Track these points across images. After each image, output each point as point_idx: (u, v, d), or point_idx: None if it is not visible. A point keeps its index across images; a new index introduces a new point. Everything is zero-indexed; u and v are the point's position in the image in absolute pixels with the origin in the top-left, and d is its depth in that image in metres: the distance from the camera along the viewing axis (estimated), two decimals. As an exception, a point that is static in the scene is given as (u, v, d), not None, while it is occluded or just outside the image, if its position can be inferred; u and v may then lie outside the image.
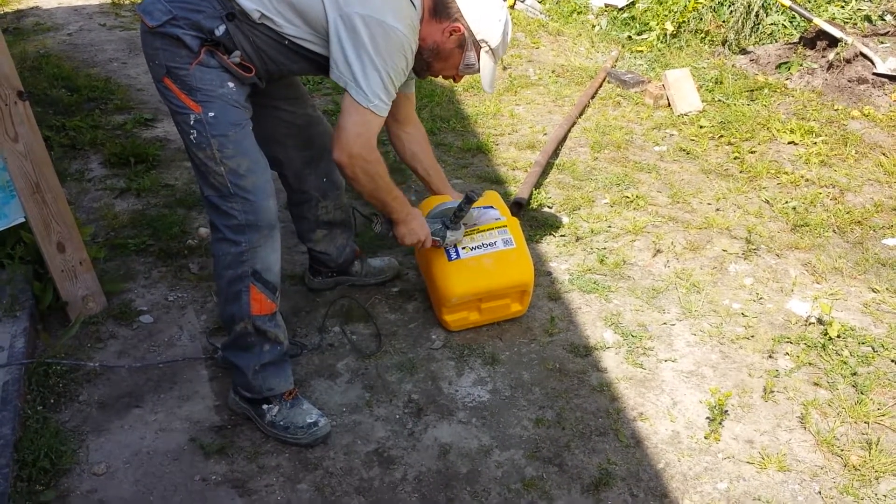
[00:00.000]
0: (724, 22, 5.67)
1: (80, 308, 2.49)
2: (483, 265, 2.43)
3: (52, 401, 2.18)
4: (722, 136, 4.14)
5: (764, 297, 2.76)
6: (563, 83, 5.05)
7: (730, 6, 5.70)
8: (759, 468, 2.03)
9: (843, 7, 5.57)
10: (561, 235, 3.16)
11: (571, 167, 3.77)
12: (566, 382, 2.34)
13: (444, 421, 2.18)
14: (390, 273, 2.82)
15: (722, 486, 1.98)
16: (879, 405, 2.23)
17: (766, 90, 4.69)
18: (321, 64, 1.95)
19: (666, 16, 5.88)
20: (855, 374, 2.35)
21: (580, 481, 1.99)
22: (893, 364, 2.40)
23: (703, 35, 5.70)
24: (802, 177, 3.65)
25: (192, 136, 1.87)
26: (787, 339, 2.53)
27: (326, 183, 2.45)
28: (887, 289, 2.79)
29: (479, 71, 2.12)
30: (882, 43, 4.94)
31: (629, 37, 6.00)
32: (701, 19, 5.75)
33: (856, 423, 2.17)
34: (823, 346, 2.47)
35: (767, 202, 3.45)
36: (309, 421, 2.07)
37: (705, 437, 2.13)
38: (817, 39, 4.96)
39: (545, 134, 4.18)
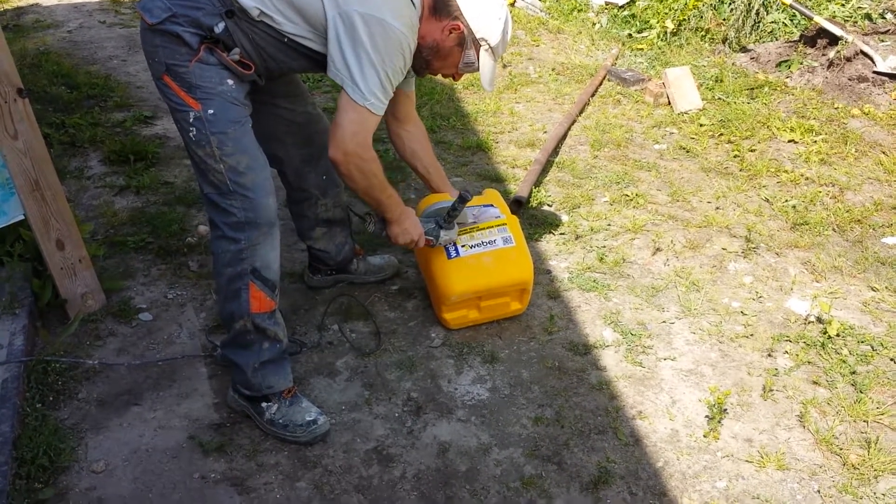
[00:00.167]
0: (724, 20, 5.66)
1: (79, 306, 2.49)
2: (482, 263, 2.43)
3: (51, 398, 2.18)
4: (722, 134, 4.14)
5: (763, 296, 2.76)
6: (564, 81, 5.04)
7: (730, 4, 5.69)
8: (758, 467, 2.03)
9: (843, 5, 5.56)
10: (560, 234, 3.16)
11: (571, 165, 3.77)
12: (565, 381, 2.34)
13: (444, 419, 2.18)
14: (390, 271, 2.82)
15: (721, 485, 1.98)
16: (878, 404, 2.23)
17: (766, 88, 4.69)
18: (320, 62, 1.95)
19: (666, 14, 5.88)
20: (854, 372, 2.35)
21: (579, 480, 1.99)
22: (892, 363, 2.40)
23: (703, 33, 5.70)
24: (802, 175, 3.64)
25: (191, 134, 1.87)
26: (786, 338, 2.53)
27: (326, 181, 2.45)
28: (886, 287, 2.79)
29: (478, 69, 2.12)
30: (882, 41, 4.93)
31: (629, 35, 5.99)
32: (701, 17, 5.74)
33: (855, 421, 2.17)
34: (823, 345, 2.47)
35: (767, 200, 3.44)
36: (308, 419, 2.07)
37: (704, 436, 2.13)
38: (818, 37, 4.95)
39: (545, 132, 4.18)
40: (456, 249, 2.44)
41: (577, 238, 3.13)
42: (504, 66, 5.27)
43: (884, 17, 5.40)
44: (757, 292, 2.78)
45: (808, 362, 2.41)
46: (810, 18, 4.96)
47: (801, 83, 4.75)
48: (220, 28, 1.82)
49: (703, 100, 4.52)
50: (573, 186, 3.56)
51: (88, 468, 1.97)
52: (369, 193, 2.11)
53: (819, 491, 1.96)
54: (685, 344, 2.52)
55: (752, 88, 4.72)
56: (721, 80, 4.84)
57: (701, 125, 4.25)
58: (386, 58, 1.86)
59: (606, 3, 6.42)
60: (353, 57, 1.84)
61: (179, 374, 2.33)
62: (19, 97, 2.15)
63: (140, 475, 1.96)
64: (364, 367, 2.39)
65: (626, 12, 6.23)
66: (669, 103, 4.56)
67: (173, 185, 3.47)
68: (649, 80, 4.85)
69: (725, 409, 2.20)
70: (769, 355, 2.46)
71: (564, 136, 4.09)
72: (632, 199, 3.43)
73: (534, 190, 3.42)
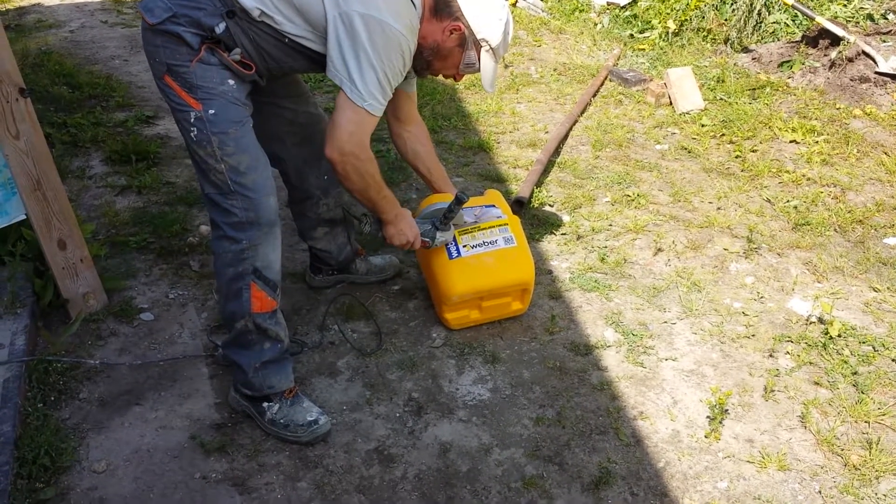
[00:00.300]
0: (726, 20, 5.66)
1: (80, 305, 2.49)
2: (484, 263, 2.43)
3: (52, 398, 2.18)
4: (723, 134, 4.13)
5: (765, 296, 2.75)
6: (565, 81, 5.04)
7: (732, 4, 5.68)
8: (760, 467, 2.03)
9: (845, 5, 5.56)
10: (562, 234, 3.16)
11: (573, 165, 3.77)
12: (566, 381, 2.34)
13: (445, 419, 2.18)
14: (391, 271, 2.82)
15: (722, 486, 1.98)
16: (880, 405, 2.22)
17: (767, 89, 4.68)
18: (321, 62, 1.95)
19: (668, 14, 5.87)
20: (856, 373, 2.34)
21: (580, 480, 1.99)
22: (894, 363, 2.40)
23: (705, 33, 5.69)
24: (804, 176, 3.64)
25: (192, 134, 1.87)
26: (787, 339, 2.52)
27: (327, 181, 2.45)
28: (888, 288, 2.79)
29: (479, 70, 2.12)
30: (884, 41, 4.93)
31: (631, 35, 5.99)
32: (703, 17, 5.74)
33: (856, 422, 2.17)
34: (824, 346, 2.46)
35: (769, 201, 3.44)
36: (309, 419, 2.07)
37: (706, 436, 2.13)
38: (819, 38, 4.95)
39: (546, 132, 4.18)
40: (457, 249, 2.43)
41: (578, 238, 3.13)
42: (506, 67, 5.27)
43: (886, 18, 5.39)
44: (758, 293, 2.77)
45: (810, 363, 2.41)
46: (812, 19, 4.95)
47: (803, 84, 4.74)
48: (220, 28, 1.82)
49: (704, 100, 4.52)
50: (574, 187, 3.56)
51: (90, 468, 1.97)
52: (365, 194, 2.11)
53: (820, 492, 1.95)
54: (686, 344, 2.52)
55: (754, 89, 4.71)
56: (723, 81, 4.84)
57: (702, 125, 4.25)
58: (385, 59, 1.86)
59: (608, 4, 6.42)
60: (353, 58, 1.84)
61: (181, 374, 2.33)
62: (21, 97, 2.15)
63: (141, 475, 1.96)
64: (365, 367, 2.39)
65: (627, 12, 6.23)
66: (671, 104, 4.56)
67: (175, 184, 3.48)
68: (651, 80, 4.85)
69: (727, 410, 2.20)
70: (770, 356, 2.46)
71: (566, 137, 4.09)
72: (633, 200, 3.43)
73: (535, 190, 3.42)
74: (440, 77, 2.21)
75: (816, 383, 2.33)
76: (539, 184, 3.52)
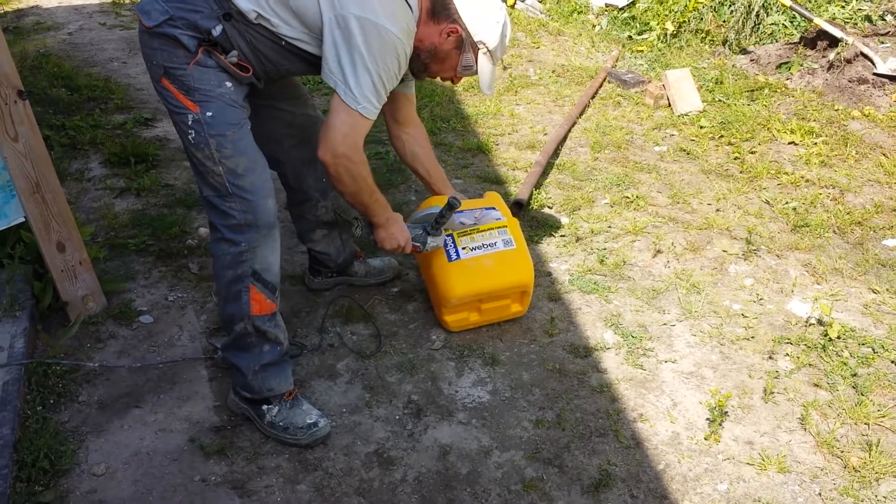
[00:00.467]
0: (724, 22, 5.67)
1: (79, 308, 2.49)
2: (483, 266, 2.43)
3: (51, 401, 2.18)
4: (722, 136, 4.14)
5: (764, 298, 2.76)
6: (564, 83, 5.04)
7: (730, 6, 5.69)
8: (760, 469, 2.03)
9: (843, 7, 5.57)
10: (561, 236, 3.16)
11: (571, 167, 3.77)
12: (566, 383, 2.34)
13: (444, 422, 2.18)
14: (390, 273, 2.82)
15: (722, 488, 1.98)
16: (880, 406, 2.22)
17: (766, 90, 4.69)
18: (318, 65, 1.94)
19: (666, 15, 5.88)
20: (855, 375, 2.34)
21: (580, 482, 1.99)
22: (894, 365, 2.40)
23: (703, 35, 5.70)
24: (803, 177, 3.64)
25: (190, 136, 1.87)
26: (787, 340, 2.53)
27: (326, 183, 2.44)
28: (887, 290, 2.79)
29: (477, 72, 2.11)
30: (882, 43, 4.94)
31: (629, 36, 5.99)
32: (701, 19, 5.75)
33: (856, 424, 2.17)
34: (824, 348, 2.46)
35: (768, 203, 3.44)
36: (309, 421, 2.07)
37: (705, 439, 2.13)
38: (818, 39, 4.96)
39: (545, 134, 4.18)
40: (457, 252, 2.43)
41: (577, 240, 3.13)
42: (504, 69, 5.27)
43: (883, 19, 5.40)
44: (758, 294, 2.78)
45: (809, 365, 2.41)
46: (810, 20, 4.96)
47: (802, 85, 4.75)
48: (217, 31, 1.81)
49: (703, 102, 4.52)
50: (573, 188, 3.56)
51: (89, 471, 1.97)
52: (357, 197, 2.11)
53: (820, 494, 1.95)
54: (686, 346, 2.52)
55: (753, 90, 4.72)
56: (721, 82, 4.85)
57: (701, 127, 4.25)
58: (381, 62, 1.85)
59: (606, 5, 6.43)
60: (348, 60, 1.84)
61: (180, 376, 2.32)
62: (20, 99, 2.15)
63: (141, 478, 1.96)
64: (365, 369, 2.38)
65: (626, 14, 6.24)
66: (669, 105, 4.56)
67: (174, 187, 3.47)
68: (649, 81, 4.85)
69: (726, 412, 2.20)
70: (770, 358, 2.46)
71: (565, 138, 4.09)
72: (632, 201, 3.43)
73: (534, 192, 3.42)
74: (438, 79, 2.21)
75: (816, 385, 2.33)
76: (538, 185, 3.52)
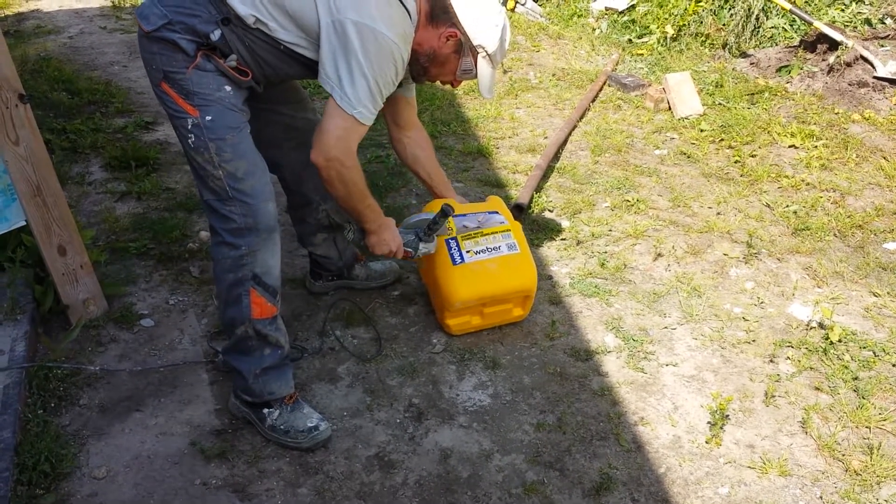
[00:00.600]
0: (724, 25, 5.67)
1: (80, 311, 2.49)
2: (487, 270, 2.43)
3: (52, 404, 2.18)
4: (722, 139, 4.14)
5: (765, 302, 2.76)
6: (564, 87, 5.05)
7: (730, 9, 5.70)
8: (761, 473, 2.03)
9: (843, 10, 5.58)
10: (562, 239, 3.16)
11: (572, 171, 3.77)
12: (567, 387, 2.34)
13: (445, 425, 2.18)
14: (391, 277, 2.82)
15: (723, 491, 1.98)
16: (881, 410, 2.22)
17: (766, 94, 4.69)
18: (316, 69, 1.94)
19: (666, 19, 5.89)
20: (856, 378, 2.34)
21: (581, 486, 1.99)
22: (895, 368, 2.40)
23: (703, 38, 5.71)
24: (803, 180, 3.65)
25: (190, 140, 1.87)
26: (788, 344, 2.52)
27: (326, 186, 2.45)
28: (888, 293, 2.79)
29: (476, 76, 2.11)
30: (882, 46, 4.95)
31: (629, 40, 6.00)
32: (701, 23, 5.75)
33: (857, 427, 2.17)
34: (825, 351, 2.46)
35: (768, 206, 3.45)
36: (309, 425, 2.07)
37: (706, 442, 2.13)
38: (818, 43, 4.96)
39: (546, 137, 4.19)
40: (461, 255, 2.43)
41: (578, 244, 3.13)
42: (504, 72, 5.28)
43: (883, 23, 5.41)
44: (758, 298, 2.78)
45: (810, 368, 2.41)
46: (810, 24, 4.97)
47: (802, 88, 4.75)
48: (216, 35, 1.82)
49: (703, 105, 4.53)
50: (574, 192, 3.56)
51: (90, 474, 1.97)
52: (348, 202, 2.10)
53: (821, 497, 1.95)
54: (687, 350, 2.52)
55: (753, 94, 4.72)
56: (721, 86, 4.85)
57: (701, 130, 4.26)
58: (377, 68, 1.85)
59: (606, 9, 6.44)
60: (345, 65, 1.84)
61: (181, 380, 2.32)
62: (21, 103, 2.15)
63: (141, 481, 1.96)
64: (365, 372, 2.38)
65: (626, 18, 6.25)
66: (670, 108, 4.57)
67: (174, 190, 3.48)
68: (650, 85, 4.86)
69: (727, 415, 2.19)
70: (771, 361, 2.46)
71: (565, 142, 4.10)
72: (633, 205, 3.43)
73: (535, 195, 3.42)
74: (438, 83, 2.22)
75: (817, 388, 2.33)
76: (539, 189, 3.52)
